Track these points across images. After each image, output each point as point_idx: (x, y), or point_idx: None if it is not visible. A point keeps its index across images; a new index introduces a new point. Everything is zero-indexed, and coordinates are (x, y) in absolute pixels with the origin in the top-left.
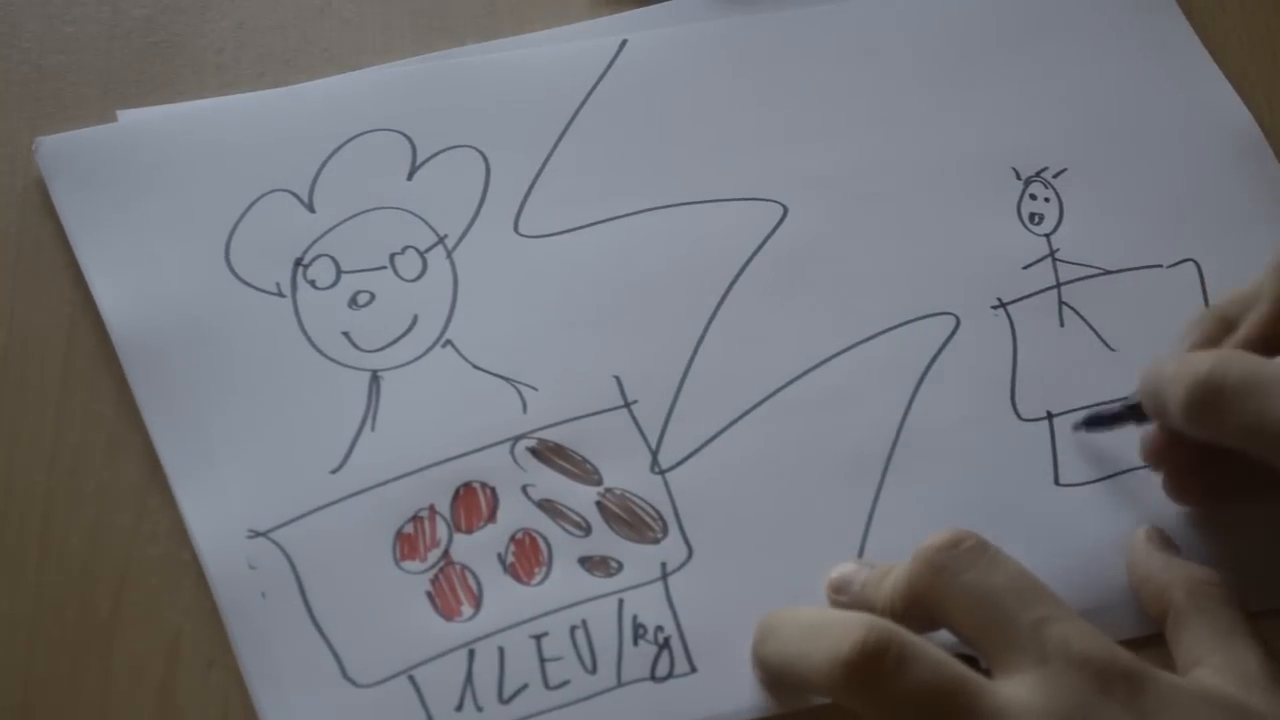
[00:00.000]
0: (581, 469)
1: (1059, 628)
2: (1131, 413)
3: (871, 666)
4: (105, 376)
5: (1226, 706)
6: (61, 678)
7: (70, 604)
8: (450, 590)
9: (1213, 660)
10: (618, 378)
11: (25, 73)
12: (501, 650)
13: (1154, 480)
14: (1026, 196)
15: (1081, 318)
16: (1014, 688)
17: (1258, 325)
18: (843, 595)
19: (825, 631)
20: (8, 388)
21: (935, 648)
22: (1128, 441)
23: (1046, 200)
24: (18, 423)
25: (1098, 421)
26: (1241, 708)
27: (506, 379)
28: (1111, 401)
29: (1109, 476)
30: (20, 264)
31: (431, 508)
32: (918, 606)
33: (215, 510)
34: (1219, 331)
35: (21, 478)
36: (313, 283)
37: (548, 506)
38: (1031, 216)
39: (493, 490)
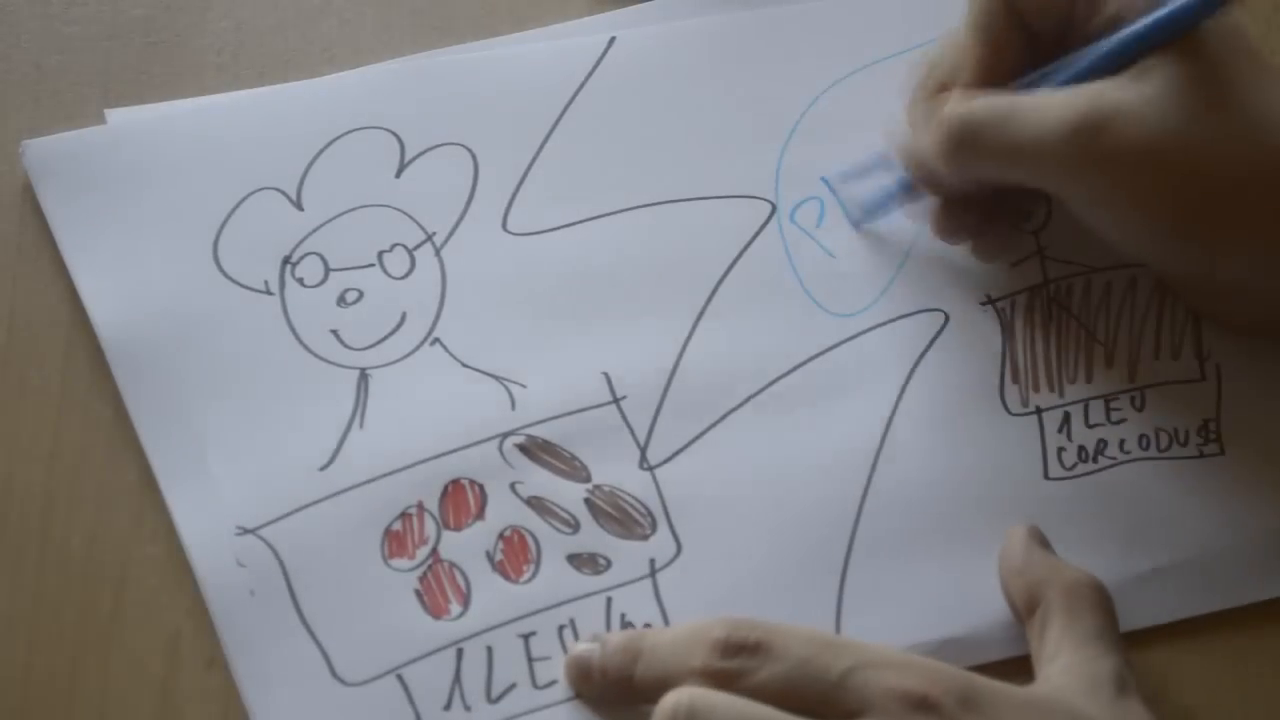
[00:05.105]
0: (570, 466)
1: (868, 674)
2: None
3: None
4: (105, 376)
5: (1054, 711)
6: (61, 678)
7: (70, 604)
8: (439, 588)
9: (1070, 659)
10: (606, 374)
11: (25, 73)
12: (490, 649)
13: (1144, 473)
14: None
15: (1069, 314)
16: None
17: (972, 75)
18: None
19: None
20: (8, 388)
21: None
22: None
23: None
24: (18, 423)
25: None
26: (1072, 712)
27: (495, 376)
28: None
29: (1098, 470)
30: (20, 264)
31: (420, 505)
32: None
33: (204, 507)
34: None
35: (21, 478)
36: (301, 281)
37: (536, 504)
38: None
39: (481, 487)
